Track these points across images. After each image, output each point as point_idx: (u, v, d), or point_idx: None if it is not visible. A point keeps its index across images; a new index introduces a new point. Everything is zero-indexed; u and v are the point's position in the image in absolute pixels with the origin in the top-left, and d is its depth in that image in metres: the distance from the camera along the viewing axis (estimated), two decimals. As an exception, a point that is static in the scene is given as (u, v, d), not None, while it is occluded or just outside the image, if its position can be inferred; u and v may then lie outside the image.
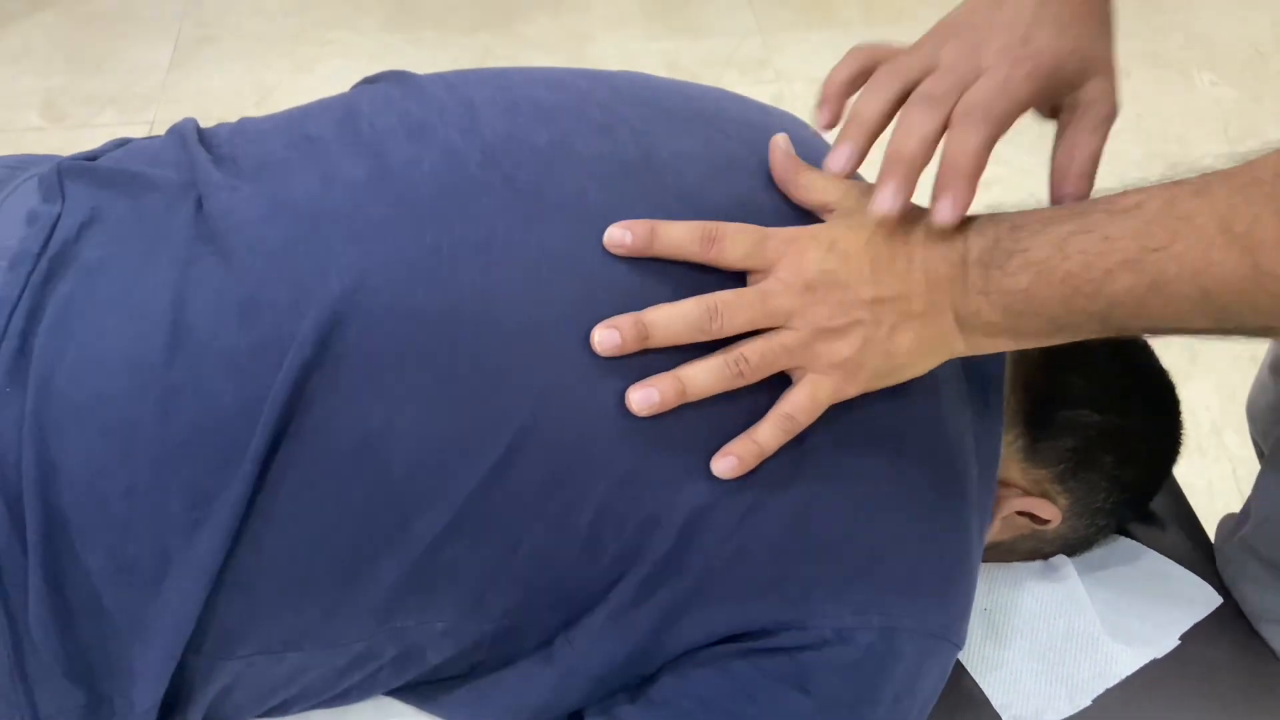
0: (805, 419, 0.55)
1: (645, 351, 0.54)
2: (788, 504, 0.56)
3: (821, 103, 0.62)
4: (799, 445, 0.56)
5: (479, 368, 0.54)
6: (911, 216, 0.56)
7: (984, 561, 0.78)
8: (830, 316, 0.54)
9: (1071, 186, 0.58)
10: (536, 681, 0.58)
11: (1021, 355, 0.71)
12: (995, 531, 0.73)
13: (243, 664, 0.56)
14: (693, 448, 0.55)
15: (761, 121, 0.69)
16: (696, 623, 0.56)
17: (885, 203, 0.54)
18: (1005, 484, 0.71)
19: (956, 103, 0.55)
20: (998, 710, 0.71)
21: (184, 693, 0.57)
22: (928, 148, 0.55)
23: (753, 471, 0.55)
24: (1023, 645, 0.74)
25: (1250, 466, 1.58)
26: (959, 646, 0.60)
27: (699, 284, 0.56)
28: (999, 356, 0.68)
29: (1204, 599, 0.78)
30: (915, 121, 0.55)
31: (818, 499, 0.56)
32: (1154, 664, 0.74)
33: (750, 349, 0.54)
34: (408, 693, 0.62)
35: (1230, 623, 0.78)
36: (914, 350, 0.55)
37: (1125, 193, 0.51)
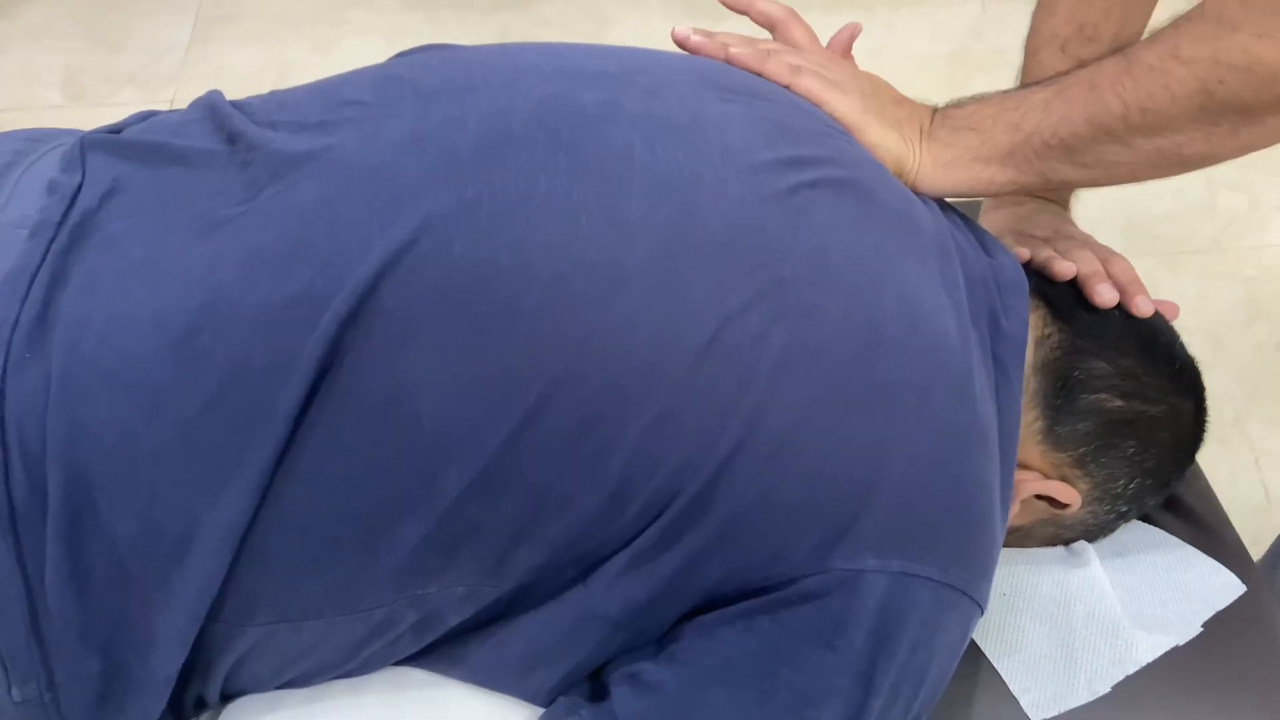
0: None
1: (683, 296, 0.56)
2: (815, 447, 0.56)
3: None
4: (826, 389, 0.56)
5: (514, 317, 0.54)
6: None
7: (1004, 546, 0.78)
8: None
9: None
10: (553, 627, 0.58)
11: (1043, 338, 0.71)
12: (1015, 515, 0.72)
13: (262, 632, 0.56)
14: (722, 392, 0.55)
15: (797, 99, 0.71)
16: (721, 566, 0.56)
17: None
18: (1025, 466, 0.71)
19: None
20: (1015, 695, 0.71)
21: (202, 661, 0.57)
22: None
23: (779, 414, 0.55)
24: (1042, 630, 0.73)
25: (1273, 456, 1.57)
26: (980, 605, 0.60)
27: (735, 231, 0.58)
28: (1020, 333, 0.68)
29: (1227, 587, 0.77)
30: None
31: (845, 443, 0.56)
32: (1175, 652, 0.73)
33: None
34: (424, 657, 0.62)
35: (1254, 611, 0.77)
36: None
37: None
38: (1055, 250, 0.77)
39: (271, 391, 0.52)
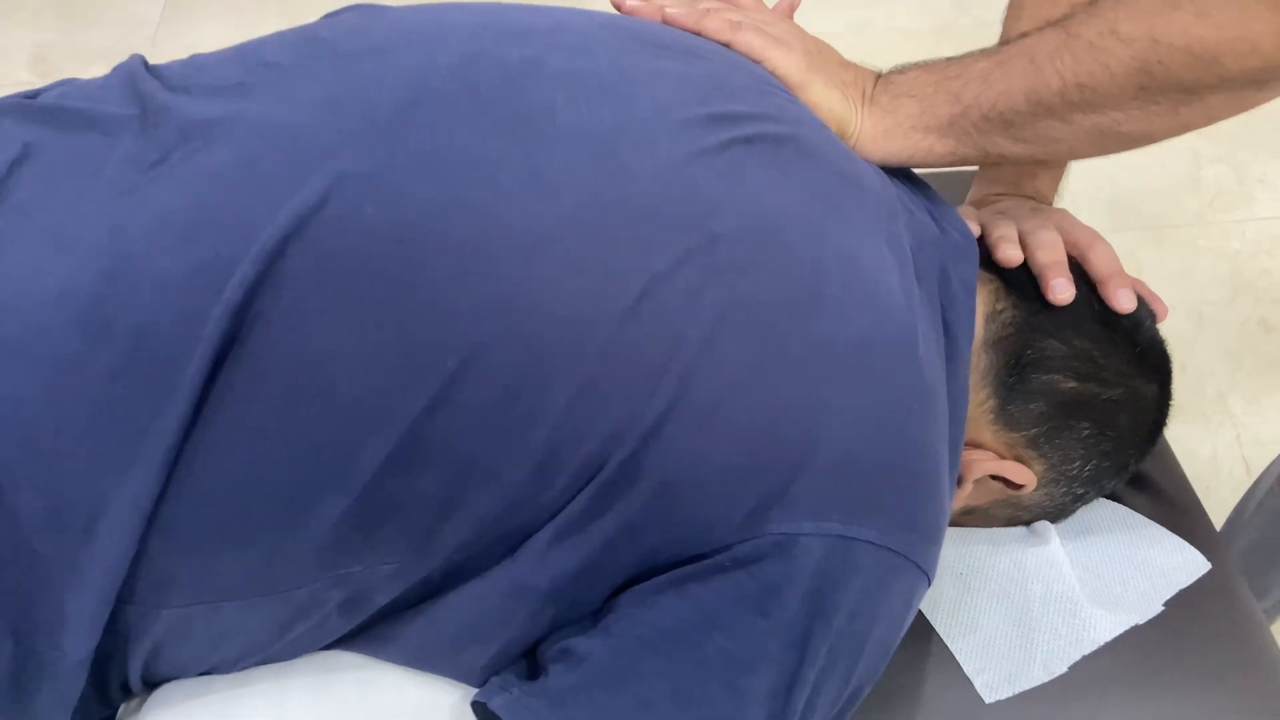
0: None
1: (608, 255, 0.53)
2: (750, 409, 0.54)
3: None
4: (762, 348, 0.54)
5: (429, 282, 0.52)
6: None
7: (963, 526, 0.76)
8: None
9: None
10: (483, 602, 0.56)
11: (994, 314, 0.68)
12: (970, 495, 0.71)
13: (179, 614, 0.54)
14: (652, 355, 0.53)
15: (737, 56, 0.69)
16: (654, 535, 0.54)
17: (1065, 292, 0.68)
18: (978, 446, 0.69)
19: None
20: (969, 677, 0.69)
21: (118, 646, 0.55)
22: None
23: (712, 375, 0.53)
24: (998, 610, 0.71)
25: (1254, 433, 1.55)
26: (925, 573, 0.58)
27: (663, 188, 0.56)
28: (968, 299, 0.66)
29: (1191, 565, 0.75)
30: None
31: (781, 404, 0.54)
32: (1136, 631, 0.71)
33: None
34: (354, 639, 0.60)
35: (1218, 589, 0.75)
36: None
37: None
38: (1022, 230, 0.74)
39: (177, 361, 0.50)
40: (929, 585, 0.59)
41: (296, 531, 0.52)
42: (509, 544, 0.55)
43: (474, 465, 0.52)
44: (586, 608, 0.57)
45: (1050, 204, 0.83)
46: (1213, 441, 1.49)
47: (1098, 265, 0.71)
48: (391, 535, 0.54)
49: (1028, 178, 0.83)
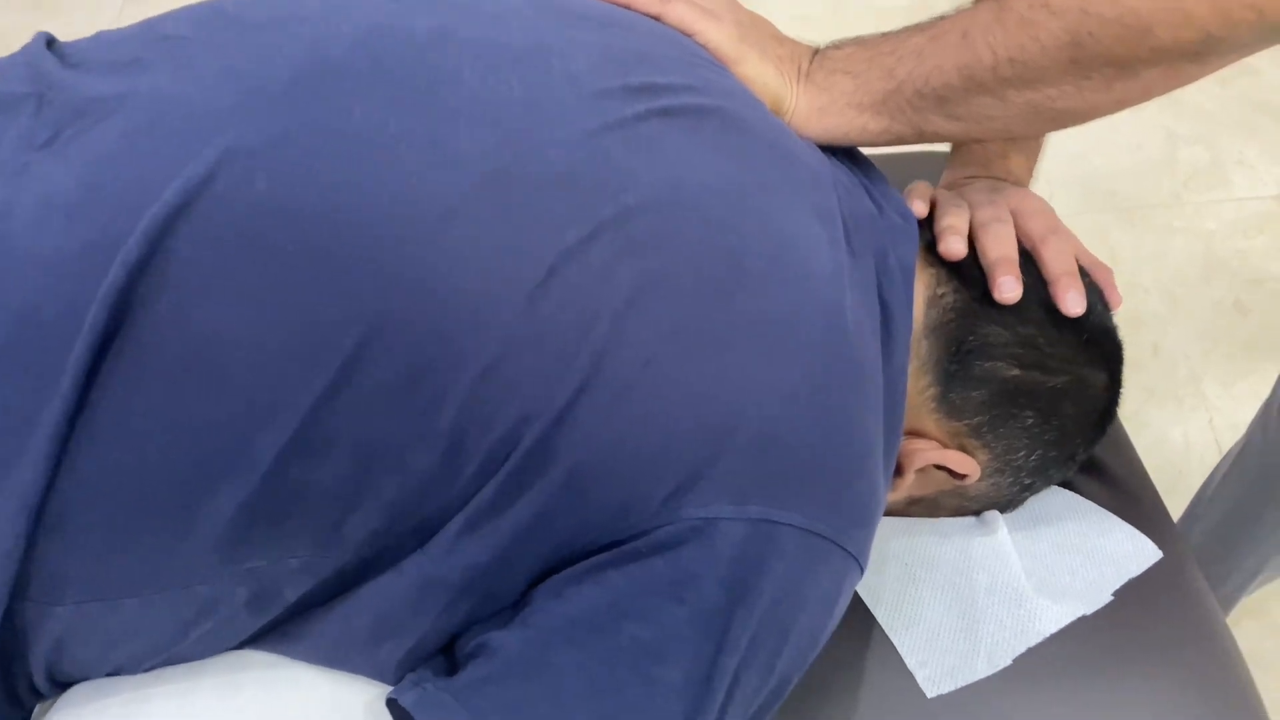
0: None
1: (515, 230, 0.52)
2: (666, 389, 0.52)
3: None
4: (680, 325, 0.52)
5: (324, 259, 0.49)
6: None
7: (910, 516, 0.74)
8: None
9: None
10: (395, 596, 0.54)
11: (936, 298, 0.66)
12: (914, 484, 0.69)
13: (74, 611, 0.52)
14: (562, 334, 0.51)
15: (666, 30, 0.67)
16: (568, 522, 0.52)
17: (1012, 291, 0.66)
18: (921, 435, 0.67)
19: None
20: (911, 670, 0.67)
21: (18, 644, 0.53)
22: None
23: (626, 354, 0.51)
24: (942, 601, 0.69)
25: (1227, 416, 1.54)
26: (855, 558, 0.56)
27: (574, 161, 0.54)
28: (907, 278, 0.64)
29: (1142, 554, 0.73)
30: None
31: (699, 383, 0.52)
32: (1084, 621, 0.69)
33: None
34: (265, 638, 0.58)
35: (1172, 578, 0.74)
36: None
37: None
38: (975, 219, 0.71)
39: (60, 345, 0.47)
40: (861, 572, 0.57)
41: (194, 525, 0.50)
42: (421, 535, 0.53)
43: (379, 451, 0.50)
44: (504, 599, 0.55)
45: (1025, 185, 0.81)
46: (1185, 425, 1.47)
47: (1049, 263, 0.69)
48: (296, 527, 0.51)
49: (999, 159, 0.80)
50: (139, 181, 0.50)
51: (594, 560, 0.53)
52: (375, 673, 0.57)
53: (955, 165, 0.83)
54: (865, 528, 0.57)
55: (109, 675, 0.57)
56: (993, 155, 0.81)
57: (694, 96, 0.60)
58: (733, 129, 0.61)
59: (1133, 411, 1.49)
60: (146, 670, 0.57)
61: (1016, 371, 0.66)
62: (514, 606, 0.55)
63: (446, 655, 0.56)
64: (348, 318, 0.49)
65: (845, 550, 0.55)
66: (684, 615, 0.51)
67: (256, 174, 0.50)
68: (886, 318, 0.62)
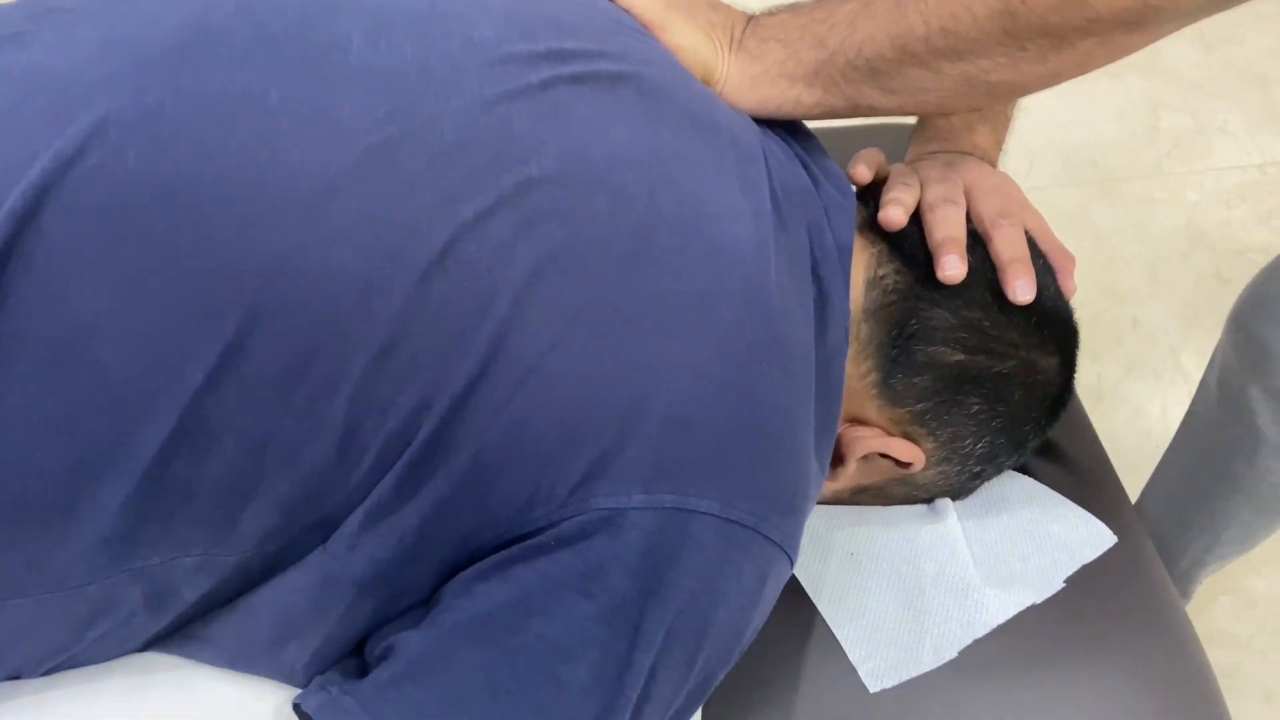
0: None
1: (406, 205, 0.49)
2: (571, 371, 0.49)
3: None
4: (585, 304, 0.50)
5: (200, 239, 0.47)
6: None
7: (860, 505, 0.72)
8: None
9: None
10: (297, 595, 0.52)
11: (876, 279, 0.64)
12: (857, 473, 0.67)
13: None
14: (458, 315, 0.48)
15: None
16: (473, 515, 0.50)
17: (956, 270, 0.64)
18: (862, 422, 0.65)
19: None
20: (854, 664, 0.65)
21: None
22: None
23: (528, 335, 0.49)
24: (888, 592, 0.67)
25: (1203, 391, 1.51)
26: (781, 547, 0.53)
27: (470, 130, 0.52)
28: (843, 254, 0.62)
29: (1096, 539, 0.71)
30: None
31: (607, 364, 0.50)
32: (1034, 611, 0.67)
33: None
34: (169, 640, 0.56)
35: (1125, 564, 0.72)
36: None
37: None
38: (926, 198, 0.68)
39: None
40: (791, 562, 0.55)
41: (77, 522, 0.48)
42: (322, 531, 0.51)
43: (267, 445, 0.48)
44: (412, 596, 0.53)
45: (992, 159, 0.78)
46: (1163, 398, 1.45)
47: (999, 248, 0.66)
48: (187, 524, 0.49)
49: (964, 132, 0.77)
50: (7, 159, 0.47)
51: (502, 555, 0.50)
52: (283, 675, 0.55)
53: (919, 140, 0.80)
54: (790, 515, 0.54)
55: (8, 679, 0.55)
56: (958, 129, 0.78)
57: (608, 63, 0.58)
58: (649, 97, 0.58)
59: (1111, 386, 1.46)
60: (47, 673, 0.55)
61: (961, 356, 0.63)
62: (425, 605, 0.53)
63: (358, 657, 0.55)
64: (225, 303, 0.46)
65: (768, 539, 0.53)
66: (592, 611, 0.49)
67: (128, 147, 0.47)
68: (821, 295, 0.60)
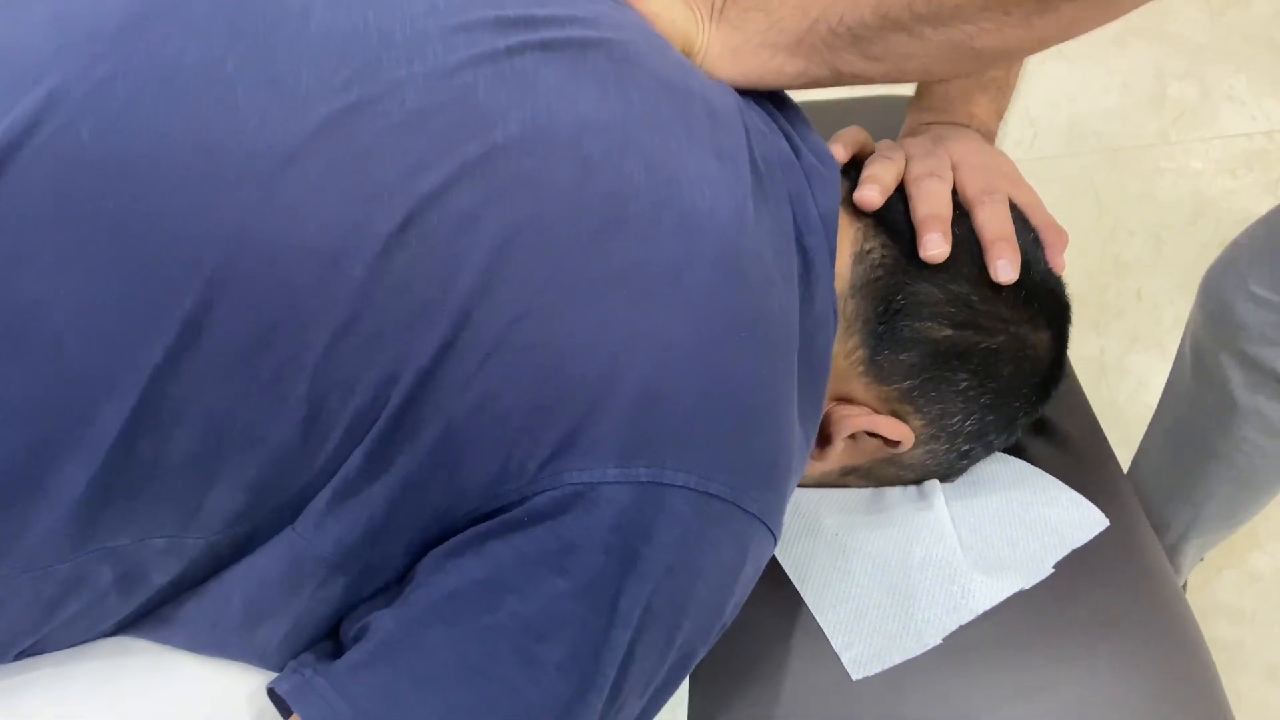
0: None
1: (365, 175, 0.48)
2: (540, 343, 0.48)
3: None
4: (554, 275, 0.49)
5: (153, 215, 0.46)
6: None
7: (845, 486, 0.71)
8: None
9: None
10: (266, 574, 0.51)
11: (863, 254, 0.62)
12: (844, 453, 0.66)
13: None
14: (422, 288, 0.47)
15: None
16: (443, 490, 0.49)
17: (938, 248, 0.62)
18: (849, 400, 0.63)
19: None
20: (837, 652, 0.64)
21: None
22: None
23: (495, 307, 0.48)
24: (873, 577, 0.66)
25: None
26: (762, 520, 0.52)
27: (432, 97, 0.50)
28: (827, 222, 0.60)
29: (1088, 522, 0.70)
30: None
31: (577, 335, 0.49)
32: (1023, 597, 0.66)
33: None
34: (142, 624, 0.55)
35: (1119, 548, 0.70)
36: None
37: None
38: (910, 174, 0.66)
39: None
40: (773, 537, 0.54)
41: (40, 503, 0.47)
42: (291, 511, 0.50)
43: (232, 423, 0.47)
44: (385, 574, 0.52)
45: (991, 130, 0.76)
46: (1167, 371, 1.43)
47: (982, 227, 0.64)
48: (153, 504, 0.48)
49: (961, 102, 0.75)
50: None
51: (475, 530, 0.49)
52: (256, 659, 0.54)
53: (914, 111, 0.78)
54: (771, 488, 0.53)
55: None
56: (954, 98, 0.76)
57: (580, 29, 0.56)
58: (620, 64, 0.56)
59: (1115, 359, 1.45)
60: (18, 657, 0.54)
61: (949, 331, 0.62)
62: (399, 583, 0.52)
63: (333, 640, 0.54)
64: (182, 279, 0.45)
65: (747, 512, 0.51)
66: (567, 588, 0.48)
67: (81, 122, 0.46)
68: (805, 265, 0.58)
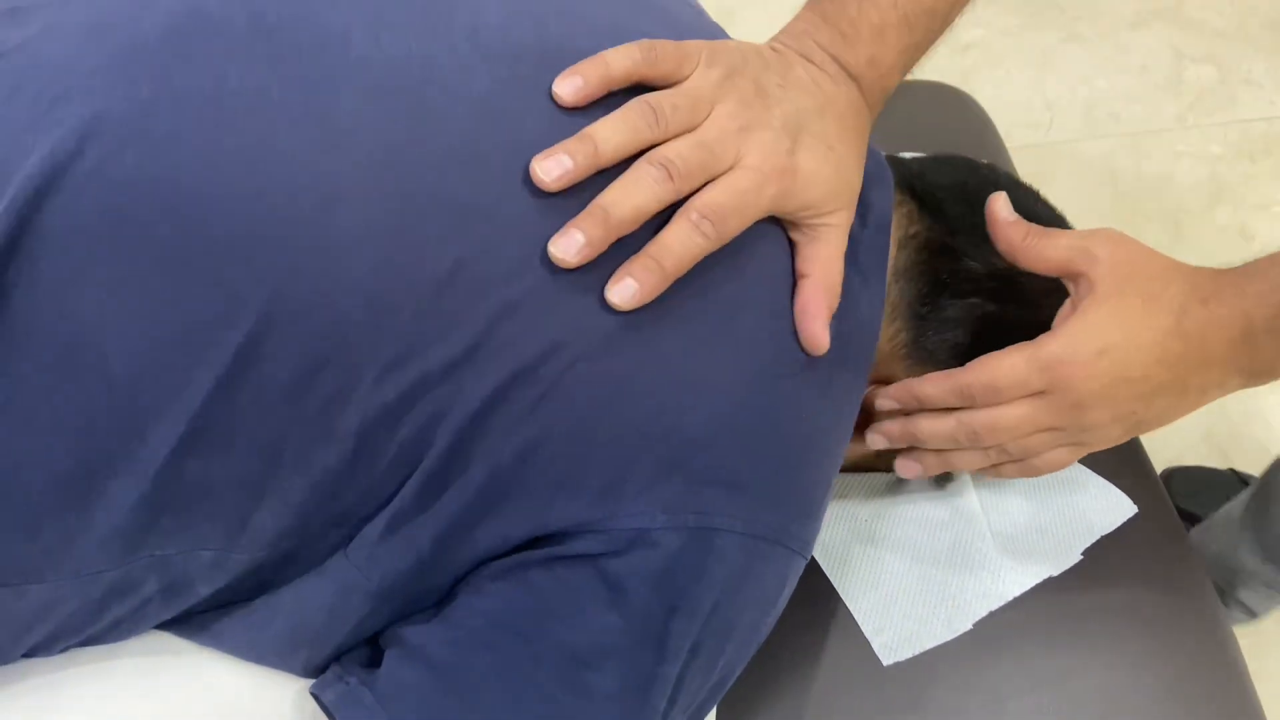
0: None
1: (412, 217, 0.47)
2: (587, 386, 0.47)
3: (576, 76, 0.50)
4: (601, 314, 0.48)
5: (204, 244, 0.45)
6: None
7: (874, 471, 0.71)
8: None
9: (809, 331, 0.52)
10: (313, 600, 0.51)
11: (908, 238, 0.62)
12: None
13: None
14: (472, 332, 0.47)
15: None
16: (489, 528, 0.49)
17: (565, 252, 0.47)
18: (890, 383, 0.63)
19: (695, 191, 0.49)
20: (867, 637, 0.64)
21: None
22: (639, 220, 0.48)
23: (547, 350, 0.47)
24: (902, 563, 0.66)
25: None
26: (799, 552, 0.53)
27: (479, 135, 0.49)
28: (883, 235, 0.59)
29: (1116, 509, 0.70)
30: (641, 188, 0.48)
31: (626, 381, 0.48)
32: (1052, 583, 0.66)
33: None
34: (180, 625, 0.55)
35: (1147, 535, 0.70)
36: None
37: None
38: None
39: None
40: (805, 559, 0.54)
41: (91, 516, 0.47)
42: (338, 535, 0.50)
43: (279, 451, 0.47)
44: (427, 600, 0.52)
45: (884, 88, 0.59)
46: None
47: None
48: (203, 519, 0.48)
49: (870, 35, 0.57)
50: (5, 154, 0.45)
51: (520, 557, 0.49)
52: (296, 671, 0.55)
53: (810, 11, 0.59)
54: (810, 519, 0.54)
55: (25, 657, 0.55)
56: (863, 28, 0.56)
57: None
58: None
59: (1131, 345, 1.44)
60: (62, 651, 0.55)
61: (993, 307, 0.62)
62: (441, 600, 0.52)
63: (371, 645, 0.54)
64: (232, 310, 0.45)
65: (788, 548, 0.52)
66: (618, 624, 0.48)
67: (127, 147, 0.46)
68: (861, 280, 0.58)
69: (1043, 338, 0.56)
